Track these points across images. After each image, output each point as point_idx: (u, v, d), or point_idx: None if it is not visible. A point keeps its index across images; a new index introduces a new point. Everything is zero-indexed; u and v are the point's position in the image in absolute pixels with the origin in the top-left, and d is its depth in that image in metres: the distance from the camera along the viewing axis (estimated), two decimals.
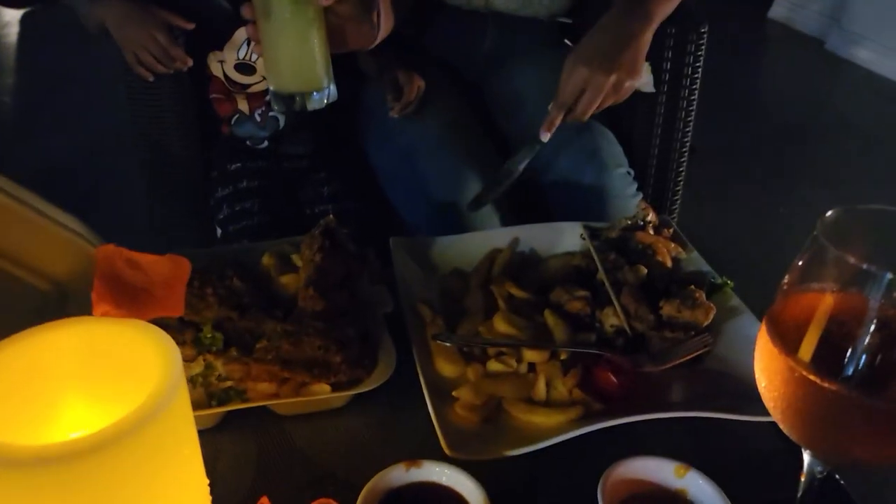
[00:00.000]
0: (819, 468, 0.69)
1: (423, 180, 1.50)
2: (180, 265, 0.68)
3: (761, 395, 0.66)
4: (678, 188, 1.71)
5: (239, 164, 1.61)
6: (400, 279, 1.11)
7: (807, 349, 0.59)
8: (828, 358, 0.59)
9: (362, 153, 1.64)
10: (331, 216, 1.05)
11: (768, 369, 0.63)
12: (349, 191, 1.62)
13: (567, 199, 1.57)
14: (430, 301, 1.08)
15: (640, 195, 1.59)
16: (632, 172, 1.60)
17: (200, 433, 0.69)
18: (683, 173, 1.71)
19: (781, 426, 0.65)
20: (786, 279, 0.63)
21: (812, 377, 0.59)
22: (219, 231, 1.57)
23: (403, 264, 1.15)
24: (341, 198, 1.62)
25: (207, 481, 0.69)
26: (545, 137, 1.38)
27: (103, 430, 0.54)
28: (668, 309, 1.02)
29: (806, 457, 0.69)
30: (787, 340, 0.61)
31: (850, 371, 0.58)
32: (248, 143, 1.61)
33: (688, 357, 0.96)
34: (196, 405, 0.88)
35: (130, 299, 0.66)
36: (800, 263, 0.62)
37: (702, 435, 0.89)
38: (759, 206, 1.97)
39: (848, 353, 0.59)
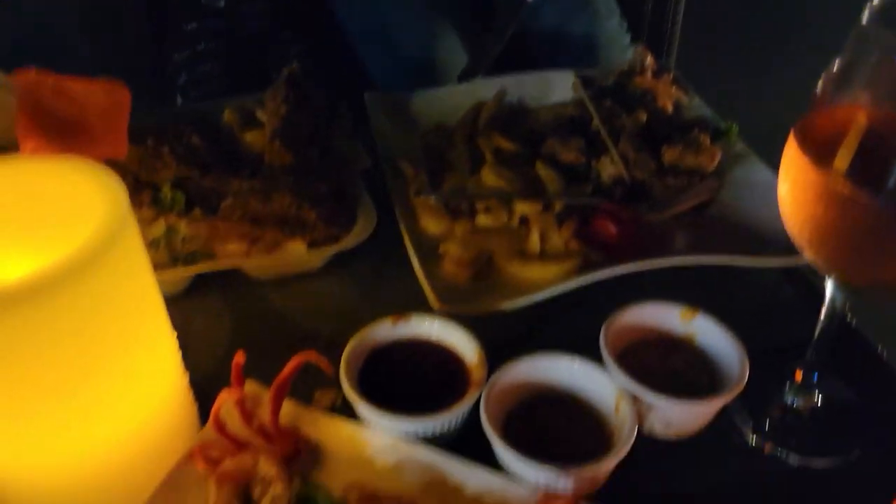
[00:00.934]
0: (840, 301, 0.64)
1: (395, 37, 1.37)
2: (118, 93, 0.58)
3: (784, 217, 0.59)
4: (674, 39, 1.59)
5: (195, 24, 1.46)
6: (377, 134, 1.02)
7: (842, 161, 0.52)
8: (865, 171, 0.52)
9: (331, 9, 1.50)
10: (294, 65, 0.94)
11: (797, 185, 0.55)
12: (318, 51, 1.49)
13: (554, 52, 1.45)
14: (411, 157, 0.99)
15: (633, 46, 1.47)
16: (625, 23, 1.48)
17: (166, 300, 0.62)
18: (680, 21, 1.59)
19: (807, 250, 0.59)
20: (820, 85, 0.55)
21: (847, 191, 0.51)
22: (179, 99, 1.45)
23: (380, 120, 1.05)
24: (308, 59, 1.49)
25: (175, 334, 0.63)
26: None
27: (37, 273, 0.46)
28: (670, 154, 0.94)
29: (829, 287, 0.64)
30: (820, 153, 0.53)
31: (892, 184, 0.51)
32: (203, 0, 1.46)
33: (693, 203, 0.89)
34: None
35: (63, 134, 0.57)
36: (838, 65, 0.53)
37: (709, 283, 0.83)
38: (765, 51, 1.85)
39: (888, 166, 0.51)
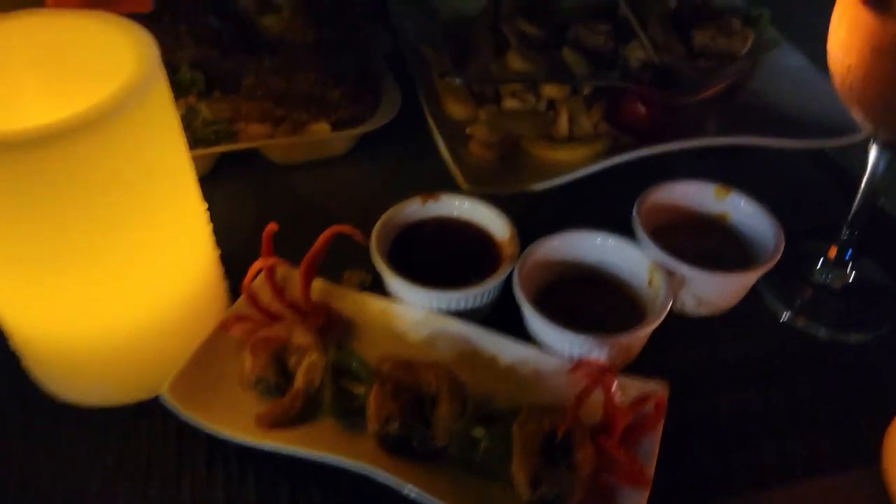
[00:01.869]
0: (882, 170, 0.63)
1: None
2: None
3: (833, 67, 0.57)
4: None
5: None
6: (397, 20, 0.98)
7: None
8: None
9: None
10: None
11: (851, 28, 0.53)
12: None
13: None
14: (434, 42, 0.96)
15: None
16: None
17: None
18: None
19: (853, 104, 0.57)
20: None
21: None
22: None
23: (401, 5, 1.01)
24: None
25: (205, 204, 0.62)
26: None
27: (65, 119, 0.45)
28: (701, 37, 0.91)
29: (872, 155, 0.62)
30: None
31: None
32: None
33: (724, 84, 0.86)
34: None
35: None
36: None
37: (740, 166, 0.82)
38: None
39: None
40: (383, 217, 0.69)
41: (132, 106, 0.48)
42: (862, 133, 0.74)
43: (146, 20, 0.69)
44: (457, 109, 0.86)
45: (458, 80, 0.85)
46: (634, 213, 0.68)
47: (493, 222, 0.69)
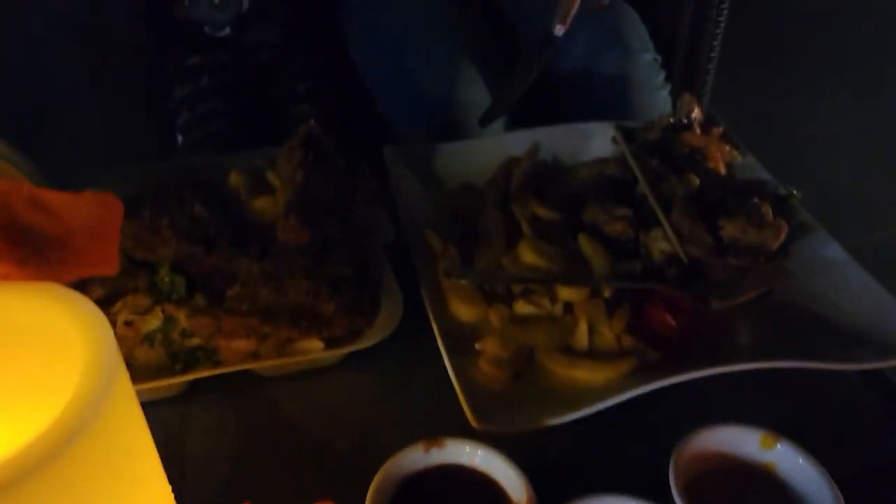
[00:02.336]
0: None
1: (411, 79, 1.27)
2: (108, 205, 0.48)
3: None
4: (707, 77, 1.50)
5: (198, 58, 1.36)
6: (400, 198, 0.91)
7: None
8: None
9: (343, 41, 1.40)
10: (312, 121, 0.84)
11: None
12: (329, 88, 1.39)
13: (581, 93, 1.35)
14: (438, 224, 0.89)
15: (669, 86, 1.38)
16: (658, 59, 1.38)
17: (163, 403, 0.52)
18: (716, 59, 1.49)
19: None
20: None
21: None
22: (180, 139, 1.35)
23: (402, 179, 0.95)
24: (320, 96, 1.39)
25: (169, 489, 0.53)
26: (560, 31, 1.14)
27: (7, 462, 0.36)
28: (730, 229, 0.84)
29: None
30: None
31: None
32: (206, 29, 1.36)
33: (763, 290, 0.78)
34: (156, 369, 0.70)
35: (39, 254, 0.47)
36: None
37: (782, 387, 0.73)
38: (811, 98, 1.73)
39: None
40: (381, 471, 0.59)
41: (87, 429, 0.39)
42: None
43: (126, 213, 0.63)
44: (464, 311, 0.78)
45: (465, 280, 0.77)
46: (671, 471, 0.59)
47: (508, 477, 0.60)
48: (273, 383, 0.73)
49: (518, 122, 1.32)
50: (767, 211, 0.86)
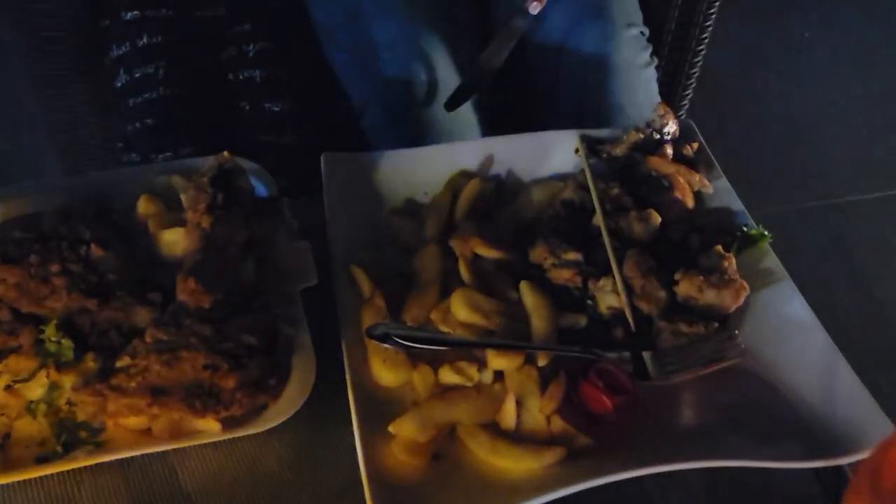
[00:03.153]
0: None
1: (372, 49, 1.15)
2: None
3: None
4: (698, 58, 1.36)
5: (137, 13, 1.23)
6: (332, 220, 0.83)
7: None
8: None
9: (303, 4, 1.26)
10: (225, 153, 0.74)
11: None
12: (282, 52, 1.26)
13: (559, 69, 1.23)
14: (370, 257, 0.81)
15: (654, 63, 1.25)
16: (646, 32, 1.25)
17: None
18: (710, 29, 1.35)
19: None
20: None
21: None
22: (118, 108, 1.24)
23: (338, 195, 0.86)
24: (272, 61, 1.27)
25: None
26: (535, 9, 1.02)
27: None
28: (685, 286, 0.76)
29: None
30: None
31: None
32: None
33: (708, 370, 0.72)
34: (38, 443, 0.65)
35: None
36: None
37: (723, 480, 0.68)
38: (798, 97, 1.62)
39: None
40: None
41: None
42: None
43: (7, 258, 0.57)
44: (386, 376, 0.71)
45: (387, 345, 0.70)
46: None
47: None
48: (173, 455, 0.68)
49: (485, 109, 1.22)
50: (730, 264, 0.78)
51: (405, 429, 0.66)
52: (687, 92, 1.42)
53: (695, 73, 1.42)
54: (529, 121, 1.23)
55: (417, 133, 1.15)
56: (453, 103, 1.10)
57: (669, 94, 1.42)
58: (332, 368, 0.71)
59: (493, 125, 1.19)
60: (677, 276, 0.77)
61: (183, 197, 0.77)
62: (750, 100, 1.66)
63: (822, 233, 1.52)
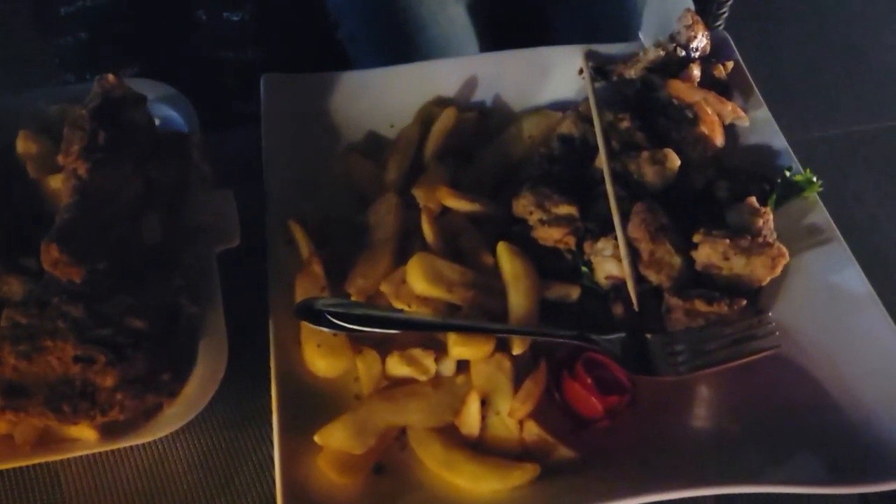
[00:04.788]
0: None
1: None
2: None
3: None
4: None
5: None
6: (270, 161, 0.67)
7: None
8: None
9: None
10: (110, 76, 0.58)
11: None
12: None
13: None
14: (316, 208, 0.66)
15: None
16: None
17: None
18: None
19: None
20: None
21: None
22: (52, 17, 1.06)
23: (279, 128, 0.70)
24: None
25: None
26: None
27: None
28: (706, 252, 0.60)
29: None
30: None
31: None
32: None
33: (730, 365, 0.55)
34: None
35: None
36: None
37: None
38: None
39: None
40: None
41: None
42: None
43: None
44: (322, 364, 0.57)
45: (324, 329, 0.55)
46: None
47: None
48: (61, 466, 0.55)
49: (486, 20, 1.02)
50: (767, 225, 0.61)
51: (336, 438, 0.52)
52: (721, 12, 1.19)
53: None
54: (536, 39, 1.03)
55: (403, 44, 0.97)
56: None
57: (703, 3, 1.20)
58: (253, 353, 0.57)
59: (494, 41, 1.00)
60: (696, 239, 0.60)
61: (64, 134, 0.60)
62: (798, 13, 1.42)
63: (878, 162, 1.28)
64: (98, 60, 1.05)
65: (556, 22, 1.03)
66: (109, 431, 0.51)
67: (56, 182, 0.61)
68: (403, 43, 0.96)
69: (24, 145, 0.62)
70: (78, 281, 0.51)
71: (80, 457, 0.54)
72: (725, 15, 1.23)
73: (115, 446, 0.51)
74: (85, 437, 0.51)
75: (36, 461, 0.51)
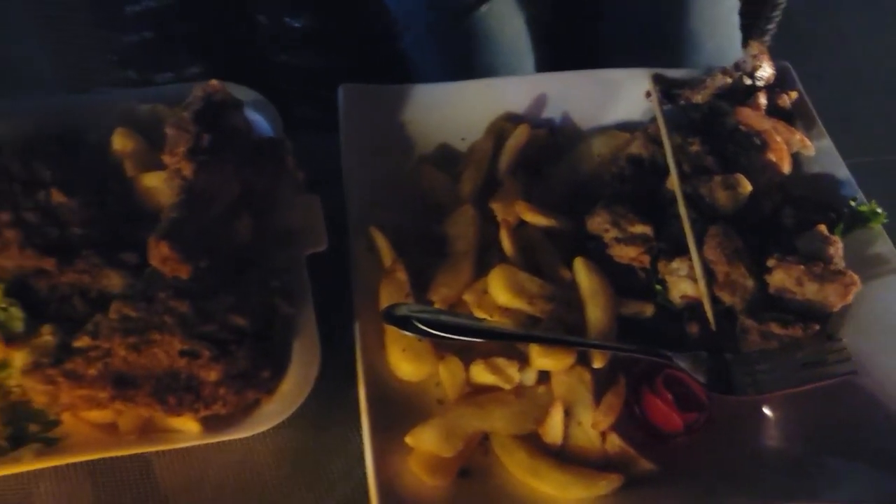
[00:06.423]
0: None
1: None
2: None
3: None
4: None
5: None
6: (350, 171, 0.69)
7: None
8: None
9: None
10: (214, 81, 0.60)
11: None
12: None
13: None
14: (393, 218, 0.67)
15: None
16: None
17: None
18: None
19: None
20: None
21: None
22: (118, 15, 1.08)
23: (358, 138, 0.71)
24: None
25: None
26: None
27: None
28: (781, 277, 0.62)
29: None
30: None
31: None
32: None
33: (808, 387, 0.57)
34: None
35: None
36: None
37: None
38: None
39: None
40: None
41: None
42: None
43: None
44: (406, 368, 0.58)
45: (409, 333, 0.57)
46: None
47: None
48: (153, 456, 0.56)
49: (539, 29, 1.04)
50: (838, 253, 0.63)
51: (427, 441, 0.54)
52: (769, 26, 1.22)
53: (781, 3, 1.22)
54: (592, 52, 1.05)
55: (468, 53, 0.99)
56: None
57: (746, 28, 1.22)
58: (337, 353, 0.59)
59: (551, 56, 1.02)
60: (770, 263, 0.62)
61: (168, 138, 0.62)
62: (838, 42, 1.44)
63: None
64: (161, 59, 1.07)
65: (613, 46, 1.06)
66: (211, 424, 0.53)
67: (150, 180, 0.63)
68: (468, 53, 0.98)
69: (120, 142, 0.64)
70: (185, 278, 0.53)
71: (172, 448, 0.56)
72: (771, 33, 1.26)
73: (216, 439, 0.53)
74: (188, 428, 0.52)
75: (141, 449, 0.52)
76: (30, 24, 1.13)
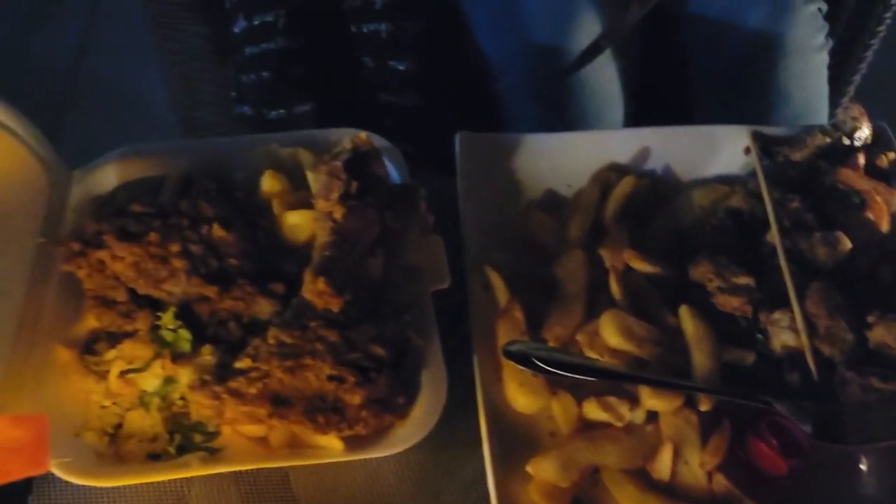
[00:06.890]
0: None
1: (520, 4, 1.04)
2: (34, 427, 0.36)
3: None
4: (875, 39, 1.19)
5: None
6: (467, 213, 0.75)
7: None
8: None
9: None
10: (363, 134, 0.66)
11: None
12: (410, 5, 1.17)
13: (718, 45, 1.09)
14: (505, 258, 0.73)
15: (829, 46, 1.10)
16: (823, 9, 1.09)
17: None
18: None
19: None
20: None
21: None
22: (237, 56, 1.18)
23: (474, 182, 0.77)
24: (399, 13, 1.17)
25: None
26: None
27: None
28: (881, 333, 0.65)
29: None
30: None
31: None
32: None
33: None
34: (150, 437, 0.60)
35: None
36: None
37: None
38: None
39: None
40: None
41: None
42: None
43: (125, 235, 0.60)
44: (522, 401, 0.63)
45: (526, 368, 0.62)
46: None
47: None
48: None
49: (632, 74, 1.10)
50: None
51: (545, 470, 0.58)
52: (852, 82, 1.25)
53: (867, 56, 1.24)
54: (679, 103, 1.10)
55: (557, 100, 1.05)
56: (594, 49, 1.00)
57: (832, 84, 1.25)
58: (456, 385, 0.64)
59: (639, 106, 1.07)
60: (871, 319, 0.65)
61: (310, 177, 0.69)
62: None
63: None
64: (274, 98, 1.16)
65: (700, 99, 1.10)
66: (351, 444, 0.59)
67: (294, 218, 0.70)
68: (561, 98, 1.04)
69: (269, 183, 0.71)
70: (336, 310, 0.59)
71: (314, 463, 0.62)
72: (854, 87, 1.28)
73: (356, 457, 0.58)
74: (332, 446, 0.58)
75: (291, 462, 0.59)
76: (157, 63, 1.24)
